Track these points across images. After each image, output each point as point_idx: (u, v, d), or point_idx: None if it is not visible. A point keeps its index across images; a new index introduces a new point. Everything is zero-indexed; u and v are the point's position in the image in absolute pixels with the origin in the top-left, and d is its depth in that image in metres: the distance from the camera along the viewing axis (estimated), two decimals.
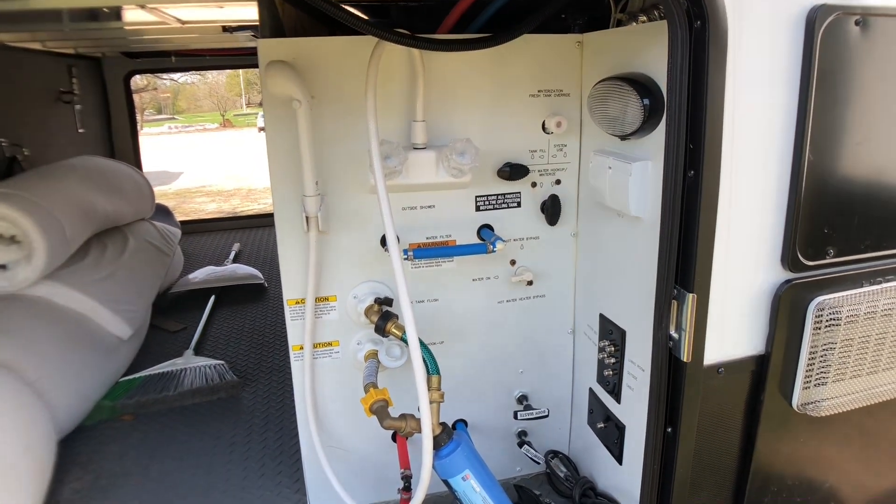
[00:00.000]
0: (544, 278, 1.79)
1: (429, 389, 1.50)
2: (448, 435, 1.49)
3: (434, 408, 1.48)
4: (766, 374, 1.36)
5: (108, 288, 2.90)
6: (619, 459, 1.64)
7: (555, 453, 1.92)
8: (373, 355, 1.66)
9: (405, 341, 1.55)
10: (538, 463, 1.87)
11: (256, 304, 3.68)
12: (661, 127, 1.33)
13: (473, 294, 1.75)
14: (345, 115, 1.54)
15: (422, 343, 1.51)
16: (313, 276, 1.60)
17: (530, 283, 1.77)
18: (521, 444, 1.88)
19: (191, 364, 2.83)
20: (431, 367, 1.51)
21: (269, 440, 2.30)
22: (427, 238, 1.66)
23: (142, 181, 4.00)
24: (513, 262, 1.75)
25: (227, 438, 2.32)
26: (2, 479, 1.83)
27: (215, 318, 3.52)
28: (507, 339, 1.82)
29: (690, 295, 1.25)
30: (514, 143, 1.66)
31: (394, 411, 1.51)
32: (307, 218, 1.55)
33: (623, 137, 1.45)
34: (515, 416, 1.80)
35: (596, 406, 1.75)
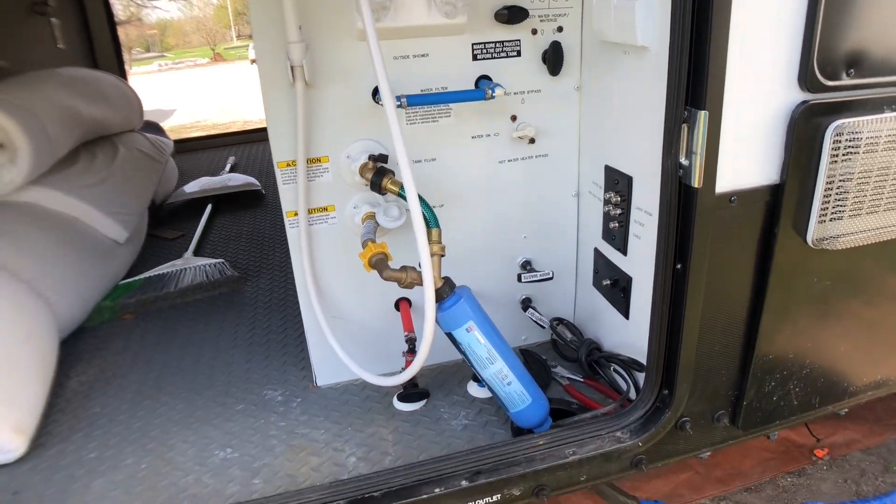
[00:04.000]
0: (547, 136, 1.71)
1: (429, 242, 1.45)
2: (450, 287, 1.45)
3: (435, 261, 1.44)
4: (781, 205, 1.30)
5: (100, 192, 2.84)
6: (626, 314, 1.61)
7: (560, 320, 1.90)
8: (370, 217, 1.60)
9: (403, 197, 1.49)
10: (543, 327, 1.84)
11: (254, 210, 3.62)
12: None
13: (473, 153, 1.67)
14: None
15: (420, 197, 1.45)
16: (302, 133, 1.52)
17: (532, 140, 1.69)
18: (525, 308, 1.85)
19: (191, 264, 2.79)
20: (431, 219, 1.45)
21: (273, 325, 2.28)
22: (422, 90, 1.57)
23: (128, 91, 3.88)
24: (513, 118, 1.67)
25: (231, 328, 2.31)
26: (3, 366, 1.82)
27: (213, 224, 3.47)
28: (509, 202, 1.76)
29: (702, 112, 1.17)
30: None
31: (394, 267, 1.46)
32: (292, 68, 1.45)
33: None
34: (519, 279, 1.76)
35: (601, 265, 1.71)
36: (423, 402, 1.73)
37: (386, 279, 1.40)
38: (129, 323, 2.45)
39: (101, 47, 4.86)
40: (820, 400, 1.59)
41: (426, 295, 1.38)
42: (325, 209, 1.64)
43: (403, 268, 1.43)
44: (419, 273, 1.41)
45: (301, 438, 1.68)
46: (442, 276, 1.46)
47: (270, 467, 1.59)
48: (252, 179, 3.90)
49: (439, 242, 1.45)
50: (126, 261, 2.86)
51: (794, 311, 1.43)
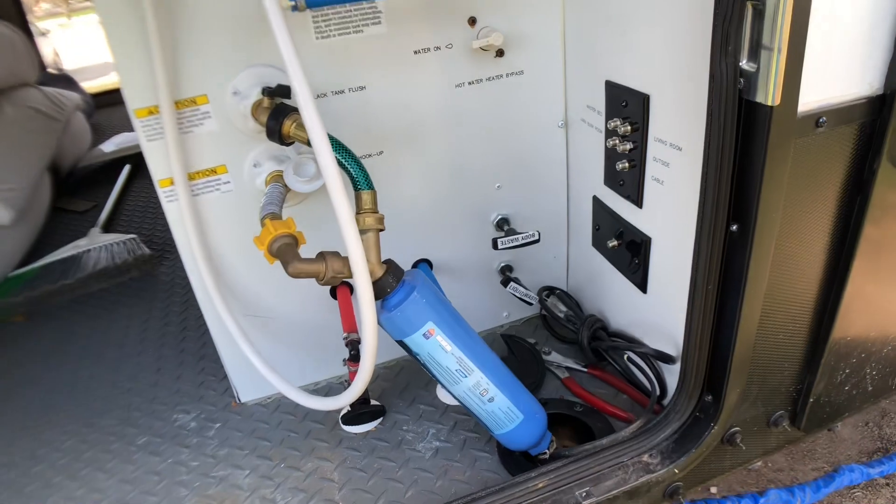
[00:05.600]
0: (521, 46, 1.22)
1: (358, 212, 0.99)
2: (396, 277, 1.00)
3: (370, 238, 0.98)
4: (888, 126, 0.85)
5: None
6: (642, 286, 1.18)
7: (550, 290, 1.47)
8: (277, 178, 1.12)
9: None
10: (530, 304, 1.41)
11: None
12: None
13: (419, 74, 1.18)
14: None
15: (339, 145, 0.98)
16: (161, 63, 1.02)
17: (500, 52, 1.21)
18: (505, 283, 1.40)
19: (96, 243, 2.29)
20: (359, 178, 0.98)
21: (190, 319, 1.81)
22: None
23: (16, 38, 3.22)
24: (472, 22, 1.17)
25: (139, 326, 1.84)
26: None
27: (131, 190, 2.94)
28: (473, 141, 1.28)
29: None
30: None
31: (312, 252, 0.99)
32: None
33: None
34: (495, 246, 1.30)
35: (604, 219, 1.26)
36: (377, 422, 1.31)
37: (293, 275, 0.93)
38: (18, 326, 1.97)
39: None
40: None
41: (359, 292, 0.92)
42: (214, 171, 1.15)
43: (321, 256, 0.96)
44: (345, 261, 0.95)
45: (219, 484, 1.25)
46: (383, 260, 1.00)
47: None
48: None
49: (375, 211, 0.99)
50: (17, 247, 2.33)
51: (885, 276, 1.01)
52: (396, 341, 1.04)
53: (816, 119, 0.80)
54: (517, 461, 1.18)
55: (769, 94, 0.75)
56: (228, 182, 1.16)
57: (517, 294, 1.37)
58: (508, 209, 1.37)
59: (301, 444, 1.31)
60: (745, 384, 1.01)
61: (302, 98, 0.83)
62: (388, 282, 0.99)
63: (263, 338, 1.34)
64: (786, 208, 0.85)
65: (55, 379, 1.67)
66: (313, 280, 0.97)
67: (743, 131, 0.80)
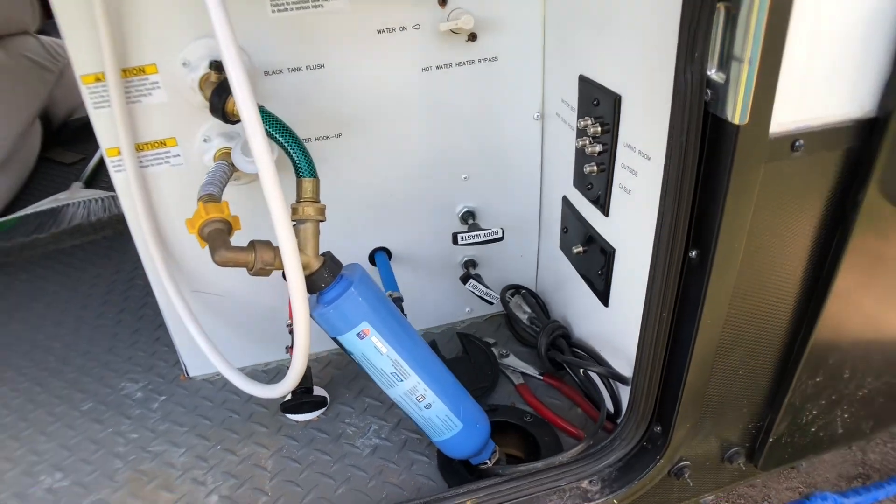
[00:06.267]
0: (495, 30, 1.13)
1: (299, 200, 0.92)
2: (332, 271, 0.93)
3: (308, 229, 0.92)
4: (876, 154, 0.76)
5: None
6: (604, 298, 1.11)
7: (516, 289, 1.40)
8: (225, 156, 1.06)
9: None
10: (491, 303, 1.34)
11: None
12: None
13: (382, 56, 1.10)
14: None
15: (281, 127, 0.91)
16: (106, 29, 0.94)
17: (473, 36, 1.12)
18: (465, 280, 1.33)
19: (76, 198, 2.24)
20: (302, 164, 0.92)
21: None
22: None
23: None
24: (443, 1, 1.08)
25: (104, 287, 1.80)
26: None
27: None
28: (441, 128, 1.20)
29: None
30: None
31: (256, 237, 0.93)
32: None
33: None
34: (455, 241, 1.23)
35: (571, 222, 1.18)
36: (318, 412, 1.26)
37: (220, 263, 0.87)
38: None
39: None
40: (874, 425, 1.13)
41: (290, 286, 0.87)
42: (163, 143, 1.09)
43: (252, 245, 0.89)
44: (277, 251, 0.88)
45: (153, 461, 1.21)
46: (321, 252, 0.94)
47: None
48: None
49: (316, 201, 0.92)
50: None
51: (862, 316, 0.93)
52: (331, 338, 0.98)
53: (792, 142, 0.72)
54: (456, 469, 1.12)
55: (737, 110, 0.66)
56: (178, 155, 1.10)
57: (477, 292, 1.30)
58: (475, 202, 1.30)
59: (241, 426, 1.27)
60: (698, 418, 0.95)
61: (230, 66, 0.75)
62: (323, 276, 0.92)
63: (214, 315, 1.30)
64: (752, 238, 0.77)
65: (15, 336, 1.63)
66: None
67: (708, 149, 0.72)
